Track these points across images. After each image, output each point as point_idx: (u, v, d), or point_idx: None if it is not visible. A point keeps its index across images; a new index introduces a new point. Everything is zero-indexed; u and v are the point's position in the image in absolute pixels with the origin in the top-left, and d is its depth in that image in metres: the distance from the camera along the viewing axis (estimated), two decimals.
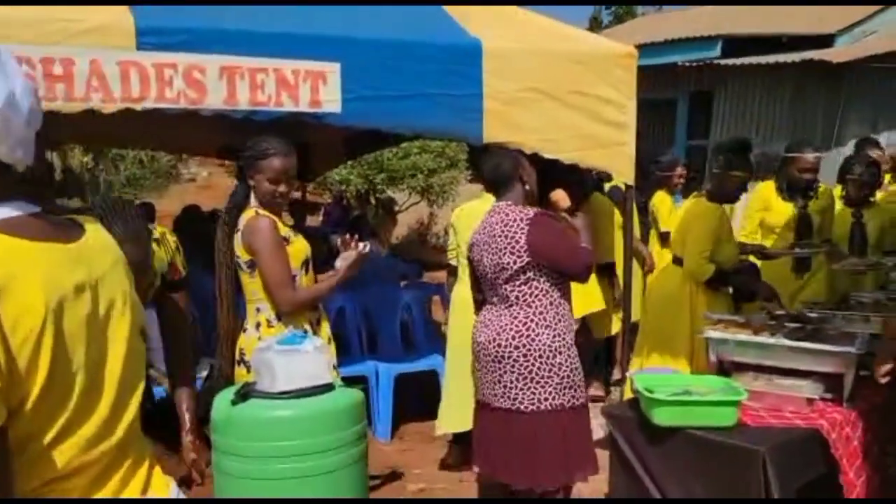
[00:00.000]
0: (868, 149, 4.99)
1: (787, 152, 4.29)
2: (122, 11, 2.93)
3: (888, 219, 4.44)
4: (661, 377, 2.89)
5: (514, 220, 2.90)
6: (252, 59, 3.12)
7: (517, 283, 2.88)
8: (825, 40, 9.21)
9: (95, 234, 1.23)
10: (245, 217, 2.79)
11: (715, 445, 2.45)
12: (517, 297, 2.89)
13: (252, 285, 2.80)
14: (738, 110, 9.32)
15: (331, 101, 3.28)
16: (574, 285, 3.02)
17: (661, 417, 2.52)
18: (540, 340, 2.83)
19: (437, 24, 3.71)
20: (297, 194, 9.87)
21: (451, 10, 3.81)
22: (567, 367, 2.86)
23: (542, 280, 2.87)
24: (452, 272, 4.27)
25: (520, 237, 2.86)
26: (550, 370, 2.83)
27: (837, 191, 4.46)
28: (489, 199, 3.98)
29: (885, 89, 8.55)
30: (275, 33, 3.19)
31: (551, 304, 2.88)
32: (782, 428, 2.53)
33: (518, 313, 2.87)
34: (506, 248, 2.88)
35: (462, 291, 3.89)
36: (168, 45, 2.96)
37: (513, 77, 3.67)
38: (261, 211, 2.78)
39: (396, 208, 11.87)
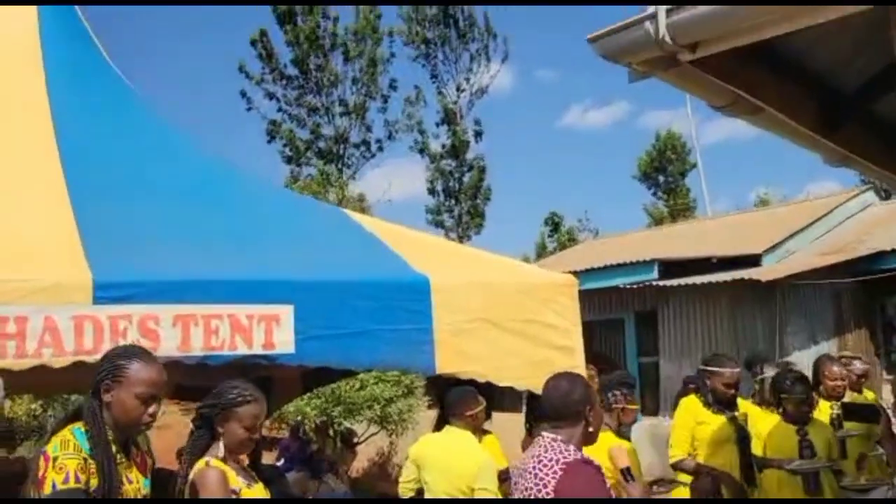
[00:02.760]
0: (827, 367, 5.05)
1: (705, 366, 4.39)
2: (81, 268, 3.04)
3: (831, 433, 4.50)
4: None
5: (551, 461, 2.58)
6: (206, 306, 3.21)
7: None
8: (753, 260, 9.89)
9: None
10: (196, 467, 2.70)
11: None
12: None
13: None
14: (681, 327, 9.71)
15: (284, 341, 3.35)
16: None
17: None
18: None
19: (384, 261, 3.91)
20: None
21: (397, 247, 4.04)
22: None
23: None
24: None
25: (549, 481, 2.54)
26: None
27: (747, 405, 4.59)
28: (454, 433, 3.96)
29: (816, 303, 9.07)
30: (228, 280, 3.32)
31: None
32: None
33: None
34: (533, 487, 2.57)
35: None
36: (125, 298, 3.04)
37: (460, 309, 3.82)
38: (212, 462, 2.70)
39: (356, 440, 11.54)
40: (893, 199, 14.43)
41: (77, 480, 2.31)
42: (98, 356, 2.97)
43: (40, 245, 3.17)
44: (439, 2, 29.17)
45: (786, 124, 2.72)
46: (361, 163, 29.71)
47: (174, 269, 3.25)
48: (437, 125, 30.14)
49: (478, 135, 30.14)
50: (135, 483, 2.55)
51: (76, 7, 5.05)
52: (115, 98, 4.70)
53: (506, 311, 3.96)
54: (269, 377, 6.41)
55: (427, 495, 3.91)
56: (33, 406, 20.93)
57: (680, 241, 13.83)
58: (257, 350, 3.29)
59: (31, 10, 4.78)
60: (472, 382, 3.92)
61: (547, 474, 2.54)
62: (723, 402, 4.17)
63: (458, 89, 30.15)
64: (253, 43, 28.08)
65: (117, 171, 3.94)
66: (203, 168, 4.38)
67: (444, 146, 29.85)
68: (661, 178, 31.61)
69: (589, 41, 2.22)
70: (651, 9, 2.05)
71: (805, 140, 2.96)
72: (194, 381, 5.73)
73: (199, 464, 2.71)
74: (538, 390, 4.03)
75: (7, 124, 3.99)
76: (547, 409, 2.78)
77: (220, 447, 2.73)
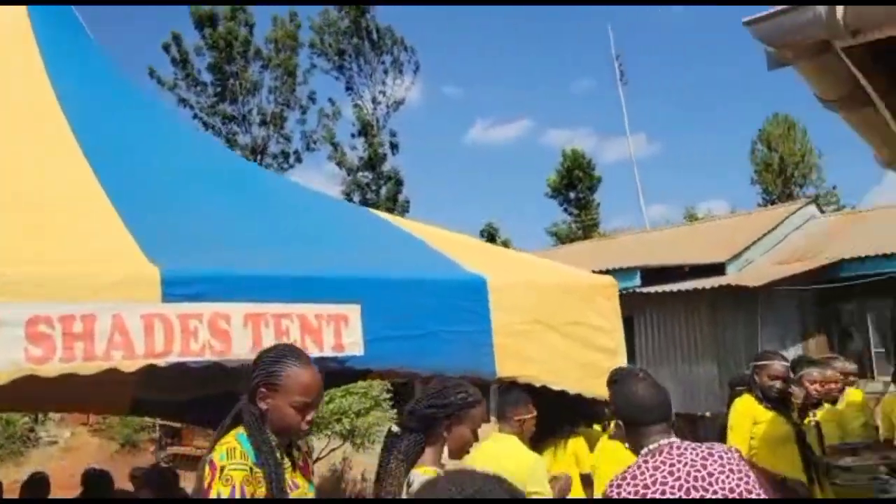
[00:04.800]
0: (805, 367, 5.11)
1: (755, 362, 4.42)
2: (145, 264, 2.78)
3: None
4: None
5: (726, 451, 2.33)
6: (276, 304, 2.99)
7: None
8: (718, 268, 10.16)
9: None
10: (425, 478, 2.46)
11: None
12: None
13: None
14: (659, 333, 9.85)
15: (353, 343, 3.15)
16: None
17: None
18: None
19: (435, 261, 3.76)
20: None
21: (442, 247, 3.90)
22: None
23: None
24: None
25: (747, 471, 2.28)
26: None
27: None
28: (500, 439, 3.82)
29: (785, 310, 9.37)
30: (296, 276, 3.10)
31: None
32: None
33: None
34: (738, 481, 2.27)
35: None
36: (195, 295, 2.79)
37: (515, 310, 3.70)
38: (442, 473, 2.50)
39: (315, 456, 11.21)
40: (829, 213, 15.15)
41: (242, 493, 2.17)
42: (169, 359, 2.73)
43: (94, 245, 2.89)
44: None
45: (885, 126, 2.74)
46: (279, 173, 29.24)
47: (238, 265, 3.02)
48: (353, 136, 30.07)
49: (393, 147, 30.20)
50: (301, 488, 2.37)
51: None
52: (123, 93, 4.39)
53: (555, 312, 3.87)
54: (235, 391, 6.07)
55: None
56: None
57: (629, 251, 14.08)
58: (327, 353, 3.08)
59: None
60: (528, 387, 3.80)
61: (744, 479, 2.28)
62: (772, 398, 4.16)
63: (373, 101, 30.17)
64: (166, 48, 27.25)
65: (147, 168, 3.66)
66: (233, 165, 4.14)
67: (360, 158, 29.76)
68: (572, 195, 32.38)
69: (745, 24, 2.17)
70: None
71: (889, 141, 2.99)
72: (150, 395, 5.39)
73: (427, 473, 2.48)
74: (589, 394, 3.98)
75: (22, 131, 3.65)
76: (655, 414, 2.42)
77: (441, 452, 2.53)
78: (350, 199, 29.61)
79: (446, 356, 3.44)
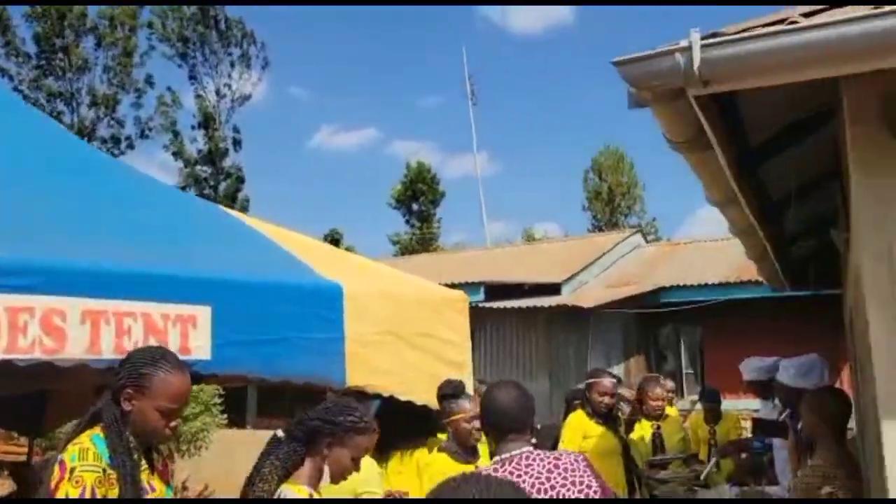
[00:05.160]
0: (652, 387, 5.52)
1: (588, 379, 4.72)
2: None
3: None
4: None
5: (573, 462, 2.39)
6: (118, 301, 2.79)
7: None
8: (555, 287, 10.70)
9: None
10: (292, 493, 2.33)
11: None
12: None
13: None
14: (498, 348, 10.19)
15: (200, 347, 3.01)
16: None
17: None
18: None
19: (292, 267, 3.68)
20: (22, 457, 8.34)
21: (300, 254, 3.82)
22: None
23: None
24: None
25: (591, 481, 2.36)
26: None
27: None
28: None
29: (611, 330, 10.02)
30: (141, 273, 2.91)
31: None
32: None
33: None
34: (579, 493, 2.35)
35: None
36: (26, 287, 2.55)
37: (369, 319, 3.69)
38: (315, 495, 2.41)
39: None
40: (651, 243, 16.42)
41: (94, 495, 2.07)
42: None
43: None
44: None
45: (720, 170, 3.01)
46: None
47: (77, 256, 2.79)
48: (194, 128, 28.87)
49: (236, 143, 29.34)
50: (158, 491, 2.25)
51: None
52: None
53: (408, 323, 3.91)
54: (45, 391, 5.65)
55: None
56: None
57: (472, 266, 14.47)
58: None
59: None
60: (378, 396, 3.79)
61: (583, 476, 2.37)
62: (601, 414, 4.43)
63: (217, 93, 29.21)
64: None
65: None
66: (70, 145, 3.82)
67: (200, 151, 28.63)
68: (415, 207, 33.07)
69: (614, 64, 2.31)
70: (685, 41, 2.20)
71: (721, 183, 3.28)
72: None
73: (301, 492, 2.34)
74: (435, 406, 4.04)
75: None
76: (511, 422, 2.43)
77: (320, 472, 2.41)
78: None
79: (297, 363, 3.37)
